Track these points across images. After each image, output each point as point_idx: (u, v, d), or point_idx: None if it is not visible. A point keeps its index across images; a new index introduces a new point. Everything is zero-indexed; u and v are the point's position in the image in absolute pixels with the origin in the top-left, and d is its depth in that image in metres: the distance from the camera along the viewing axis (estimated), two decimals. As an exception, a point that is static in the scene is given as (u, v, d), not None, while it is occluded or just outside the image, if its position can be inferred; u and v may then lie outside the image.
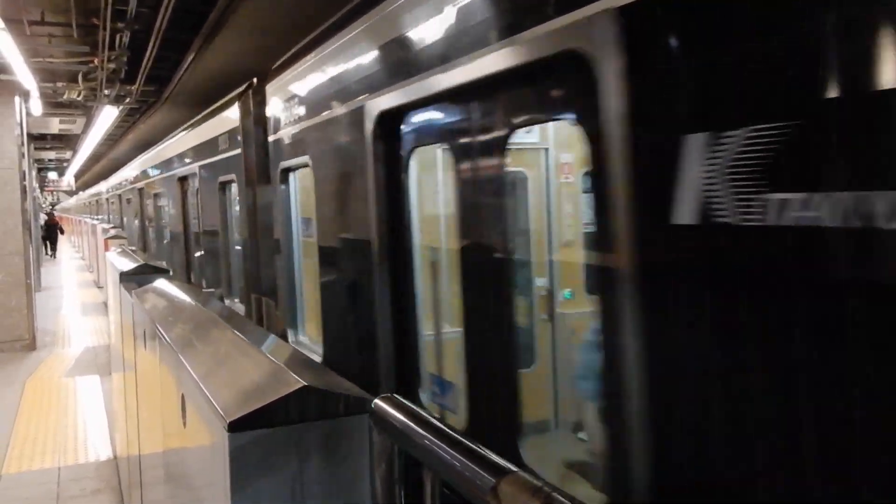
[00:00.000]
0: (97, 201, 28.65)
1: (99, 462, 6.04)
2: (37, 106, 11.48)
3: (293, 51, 4.38)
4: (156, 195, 12.11)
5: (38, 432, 6.82)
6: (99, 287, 16.32)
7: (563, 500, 0.93)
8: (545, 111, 2.18)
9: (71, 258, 27.74)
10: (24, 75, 9.16)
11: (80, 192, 42.29)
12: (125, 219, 17.56)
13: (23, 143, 10.73)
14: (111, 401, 6.76)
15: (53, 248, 28.23)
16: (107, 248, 9.24)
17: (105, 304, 12.31)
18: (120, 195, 18.38)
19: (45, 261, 23.93)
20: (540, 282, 4.13)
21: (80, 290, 17.17)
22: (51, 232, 28.00)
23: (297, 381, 1.46)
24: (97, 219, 22.88)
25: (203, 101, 8.27)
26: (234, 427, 1.36)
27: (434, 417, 1.32)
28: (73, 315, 13.61)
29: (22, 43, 8.06)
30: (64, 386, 8.44)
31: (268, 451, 1.39)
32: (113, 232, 12.74)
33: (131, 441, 4.01)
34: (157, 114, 13.88)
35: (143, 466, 3.31)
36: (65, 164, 33.69)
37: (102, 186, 25.40)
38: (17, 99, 10.25)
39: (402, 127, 2.95)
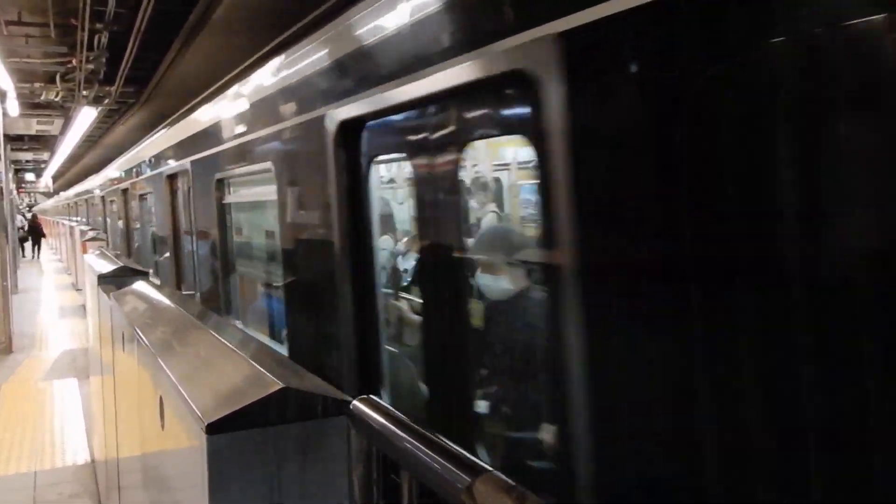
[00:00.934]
0: (86, 201, 22.11)
1: (76, 466, 5.97)
2: (13, 107, 11.36)
3: None
4: (221, 184, 4.94)
5: (15, 436, 6.73)
6: (77, 290, 16.14)
7: (535, 498, 0.95)
8: None
9: (48, 260, 27.42)
10: (1, 76, 9.06)
11: (61, 193, 41.50)
12: (131, 225, 10.65)
13: (-1, 145, 10.61)
14: (89, 404, 6.70)
15: (36, 250, 28.38)
16: (85, 251, 9.14)
17: (83, 307, 12.18)
18: (126, 190, 11.02)
19: (23, 263, 23.63)
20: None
21: (58, 293, 16.98)
22: (34, 233, 28.27)
23: (275, 383, 1.47)
24: (75, 221, 21.78)
25: (182, 102, 8.19)
26: (213, 429, 1.36)
27: (411, 419, 1.33)
28: (51, 318, 13.45)
29: (-2, 43, 7.99)
30: (41, 390, 8.34)
31: (246, 453, 1.40)
32: (91, 234, 12.56)
33: (109, 444, 3.98)
34: (137, 115, 13.78)
35: (122, 470, 3.29)
36: (42, 166, 33.32)
37: (95, 181, 17.81)
38: (-7, 99, 10.16)
39: None
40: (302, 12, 4.14)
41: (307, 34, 3.60)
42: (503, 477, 1.04)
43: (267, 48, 4.53)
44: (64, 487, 5.55)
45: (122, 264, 4.57)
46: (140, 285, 3.54)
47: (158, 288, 3.50)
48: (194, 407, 1.47)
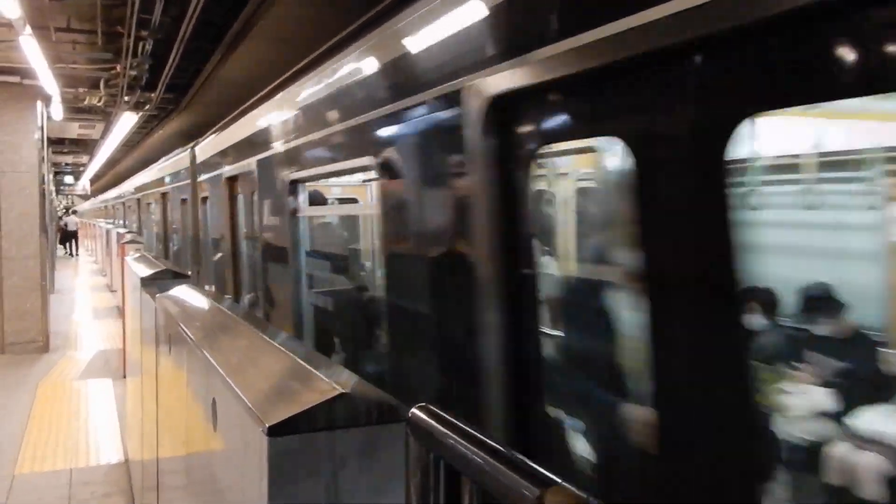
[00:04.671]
0: (123, 204, 21.32)
1: (110, 465, 6.05)
2: (58, 111, 11.61)
3: None
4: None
5: (50, 434, 6.85)
6: (112, 291, 16.39)
7: (611, 511, 0.93)
8: None
9: (84, 262, 27.96)
10: (47, 81, 9.27)
11: (98, 196, 42.26)
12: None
13: (43, 148, 10.83)
14: (124, 404, 6.78)
15: (74, 247, 31.47)
16: (122, 253, 9.27)
17: (118, 308, 12.35)
18: (209, 182, 8.17)
19: (59, 263, 24.15)
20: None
21: (93, 294, 17.26)
22: (73, 232, 31.75)
23: (333, 388, 1.47)
24: (111, 224, 22.02)
25: (219, 111, 8.32)
26: (274, 431, 1.37)
27: (472, 427, 1.33)
28: (86, 318, 13.68)
29: (46, 49, 8.17)
30: (76, 389, 8.48)
31: (305, 457, 1.41)
32: (129, 237, 12.75)
33: (147, 445, 4.02)
34: (175, 121, 14.02)
35: (162, 470, 3.32)
36: (81, 169, 34.01)
37: (148, 174, 14.87)
38: (38, 104, 10.37)
39: None
40: (341, 25, 4.21)
41: (344, 47, 3.89)
42: (575, 489, 1.03)
43: (304, 61, 4.74)
44: (97, 487, 5.63)
45: (163, 267, 4.62)
46: (183, 289, 3.57)
47: (202, 291, 3.53)
48: (254, 409, 1.48)
